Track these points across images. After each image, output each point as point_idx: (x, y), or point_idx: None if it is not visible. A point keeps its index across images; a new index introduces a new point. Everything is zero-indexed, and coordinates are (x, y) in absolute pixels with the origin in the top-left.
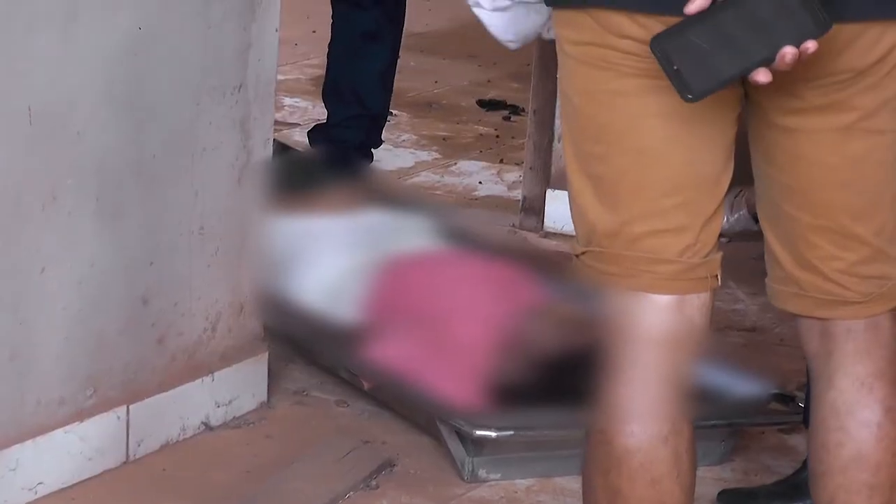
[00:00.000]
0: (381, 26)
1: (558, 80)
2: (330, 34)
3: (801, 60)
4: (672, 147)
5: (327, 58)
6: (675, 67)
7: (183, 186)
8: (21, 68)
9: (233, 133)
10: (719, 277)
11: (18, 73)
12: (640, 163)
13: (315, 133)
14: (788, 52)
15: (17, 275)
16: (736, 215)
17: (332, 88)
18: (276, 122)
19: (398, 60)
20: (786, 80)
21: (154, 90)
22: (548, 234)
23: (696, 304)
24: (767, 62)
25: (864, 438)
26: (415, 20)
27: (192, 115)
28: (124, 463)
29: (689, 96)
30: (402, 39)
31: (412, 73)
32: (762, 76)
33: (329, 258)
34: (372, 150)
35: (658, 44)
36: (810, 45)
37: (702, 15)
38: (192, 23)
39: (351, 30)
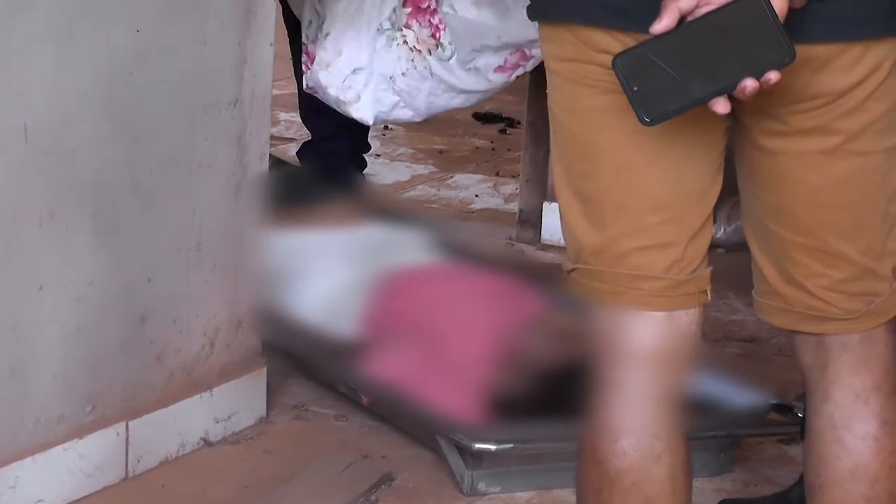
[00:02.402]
0: None
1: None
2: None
3: (763, 90)
4: (655, 164)
5: (295, 78)
6: (635, 88)
7: (180, 202)
8: (17, 85)
9: (229, 148)
10: (709, 293)
11: (14, 91)
12: (623, 180)
13: (303, 152)
14: (749, 84)
15: (15, 293)
16: (733, 226)
17: (309, 107)
18: (272, 137)
19: None
20: (766, 104)
21: (150, 106)
22: (545, 247)
23: (685, 319)
24: (727, 91)
25: (862, 451)
26: None
27: (188, 130)
28: (123, 479)
29: (647, 120)
30: None
31: None
32: (720, 107)
33: (326, 273)
34: (363, 155)
35: (620, 62)
36: (772, 76)
37: (667, 36)
38: (187, 39)
39: None
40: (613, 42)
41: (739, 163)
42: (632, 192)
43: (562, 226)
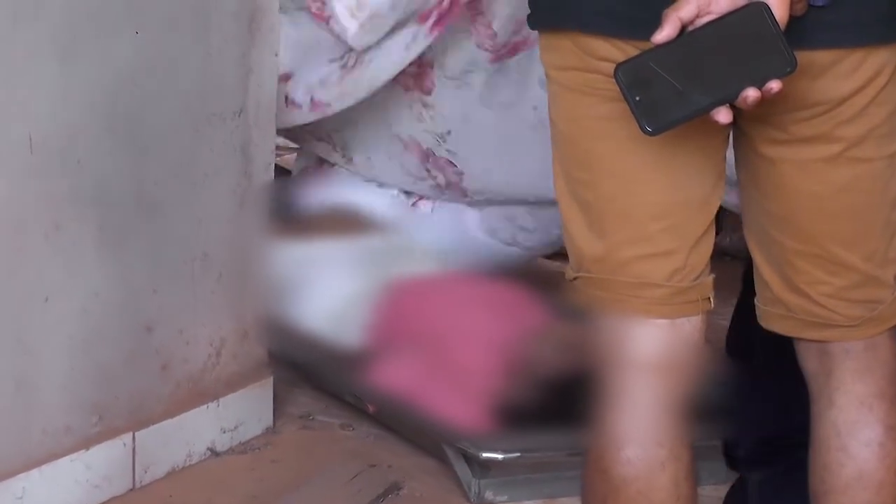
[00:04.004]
0: None
1: (547, 106)
2: None
3: (765, 100)
4: (657, 171)
5: None
6: (637, 98)
7: (185, 213)
8: (21, 97)
9: (234, 158)
10: (712, 300)
11: (19, 102)
12: (625, 188)
13: None
14: (751, 93)
15: (21, 304)
16: (739, 234)
17: None
18: (277, 147)
19: None
20: (767, 112)
21: (154, 117)
22: (551, 255)
23: (688, 327)
24: (729, 100)
25: (866, 458)
26: None
27: (192, 141)
28: (130, 490)
29: (649, 129)
30: None
31: None
32: (723, 116)
33: (332, 282)
34: None
35: (622, 72)
36: (774, 86)
37: (669, 46)
38: (191, 50)
39: None
40: (614, 50)
41: (740, 170)
42: (632, 200)
43: (563, 234)
